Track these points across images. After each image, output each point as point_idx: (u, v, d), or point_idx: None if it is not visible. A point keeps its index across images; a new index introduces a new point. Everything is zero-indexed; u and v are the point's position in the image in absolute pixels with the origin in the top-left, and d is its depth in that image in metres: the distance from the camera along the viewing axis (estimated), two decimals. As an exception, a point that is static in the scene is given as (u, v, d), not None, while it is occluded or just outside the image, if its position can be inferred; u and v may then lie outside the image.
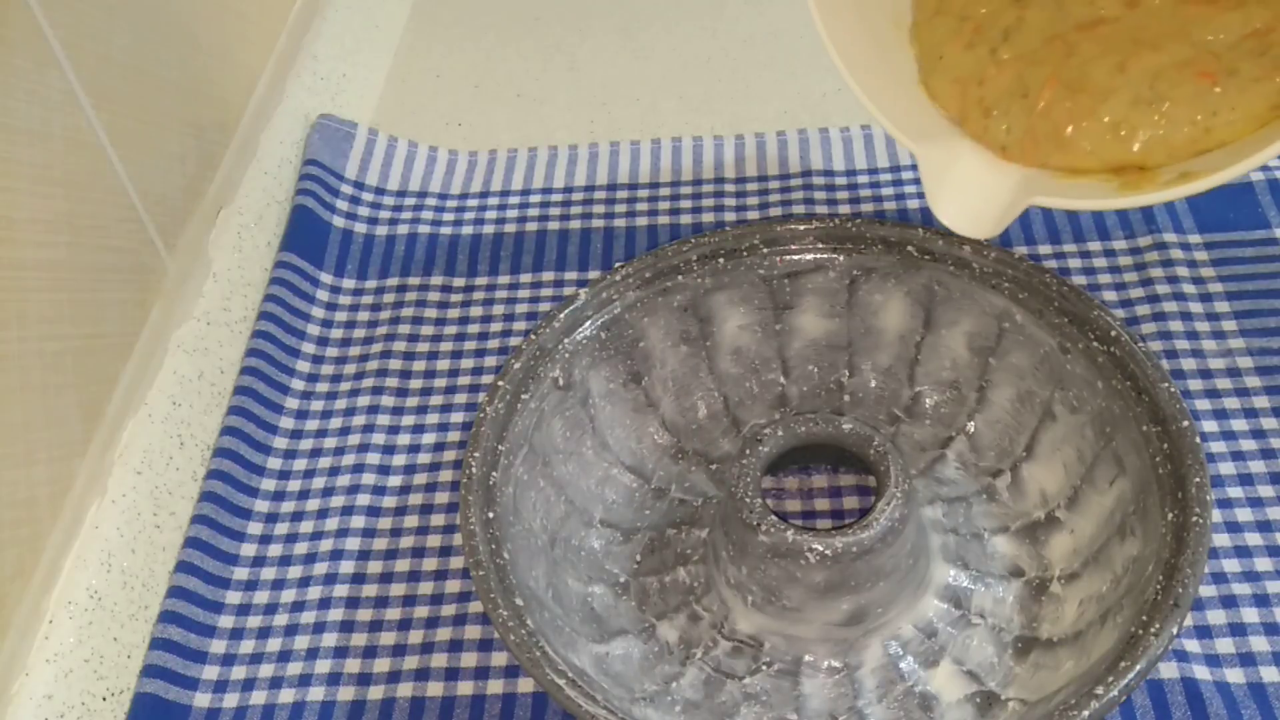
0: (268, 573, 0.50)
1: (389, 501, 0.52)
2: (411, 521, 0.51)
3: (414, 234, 0.63)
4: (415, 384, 0.56)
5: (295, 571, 0.50)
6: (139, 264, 0.52)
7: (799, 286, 0.51)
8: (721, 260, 0.51)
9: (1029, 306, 0.48)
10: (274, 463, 0.53)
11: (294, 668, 0.47)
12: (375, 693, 0.46)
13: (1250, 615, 0.45)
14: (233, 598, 0.49)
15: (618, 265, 0.50)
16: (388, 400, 0.55)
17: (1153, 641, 0.38)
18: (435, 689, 0.46)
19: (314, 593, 0.49)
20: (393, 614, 0.48)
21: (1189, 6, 0.43)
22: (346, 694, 0.46)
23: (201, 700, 0.46)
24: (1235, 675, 0.43)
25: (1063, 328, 0.47)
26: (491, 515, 0.44)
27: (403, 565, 0.49)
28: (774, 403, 0.53)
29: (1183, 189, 0.39)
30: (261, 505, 0.52)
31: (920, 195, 0.61)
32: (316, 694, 0.46)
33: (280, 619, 0.48)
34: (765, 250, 0.51)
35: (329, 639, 0.47)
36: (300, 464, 0.53)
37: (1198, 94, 0.41)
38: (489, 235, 0.63)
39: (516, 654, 0.40)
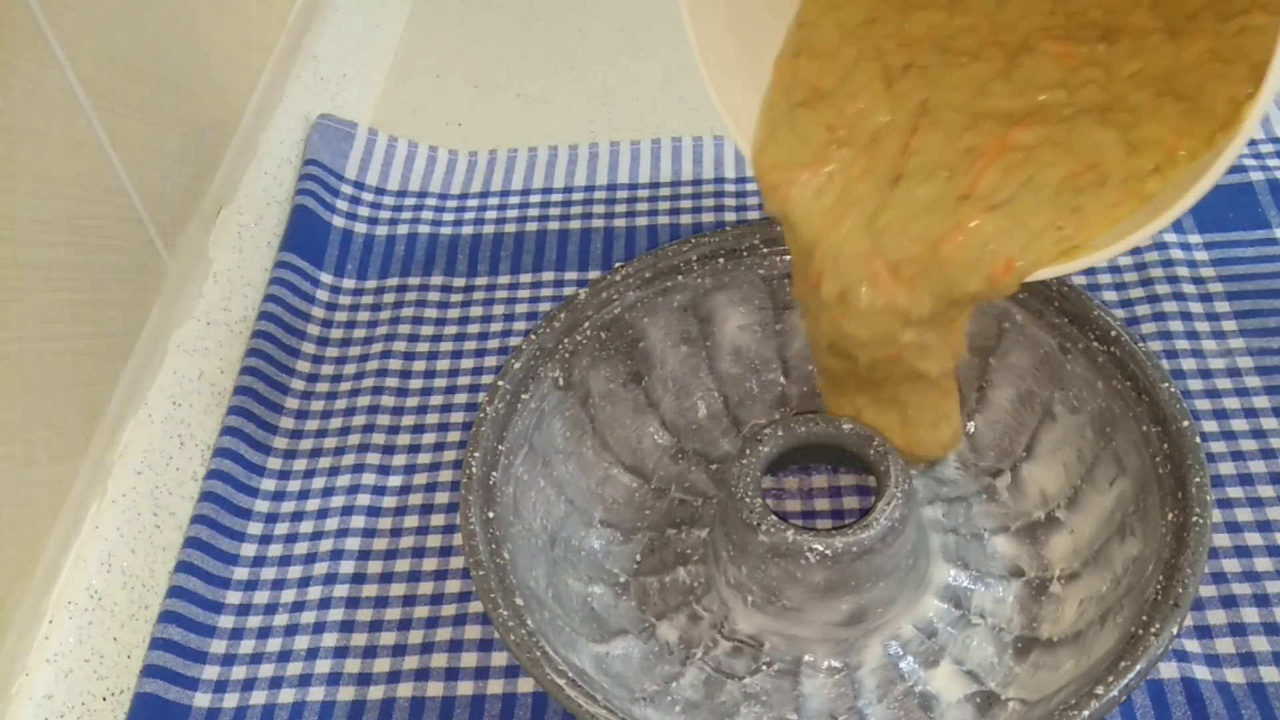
0: (268, 573, 0.50)
1: (389, 501, 0.52)
2: (411, 521, 0.51)
3: (414, 234, 0.63)
4: (415, 384, 0.56)
5: (295, 571, 0.50)
6: (139, 264, 0.52)
7: (799, 286, 0.51)
8: (721, 260, 0.51)
9: (1029, 306, 0.48)
10: (274, 463, 0.53)
11: (294, 668, 0.47)
12: (375, 693, 0.46)
13: (1250, 615, 0.45)
14: (233, 598, 0.49)
15: (618, 265, 0.50)
16: (388, 400, 0.55)
17: (1153, 641, 0.38)
18: (435, 689, 0.46)
19: (314, 593, 0.49)
20: (393, 614, 0.48)
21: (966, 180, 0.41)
22: (346, 694, 0.46)
23: (201, 700, 0.46)
24: (1235, 675, 0.43)
25: (1063, 328, 0.47)
26: (491, 515, 0.44)
27: (403, 565, 0.49)
28: (774, 403, 0.53)
29: (1065, 266, 0.39)
30: (261, 505, 0.52)
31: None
32: (316, 694, 0.46)
33: (280, 619, 0.48)
34: (765, 250, 0.51)
35: (329, 639, 0.47)
36: (300, 464, 0.53)
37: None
38: (489, 235, 0.63)
39: (516, 654, 0.40)
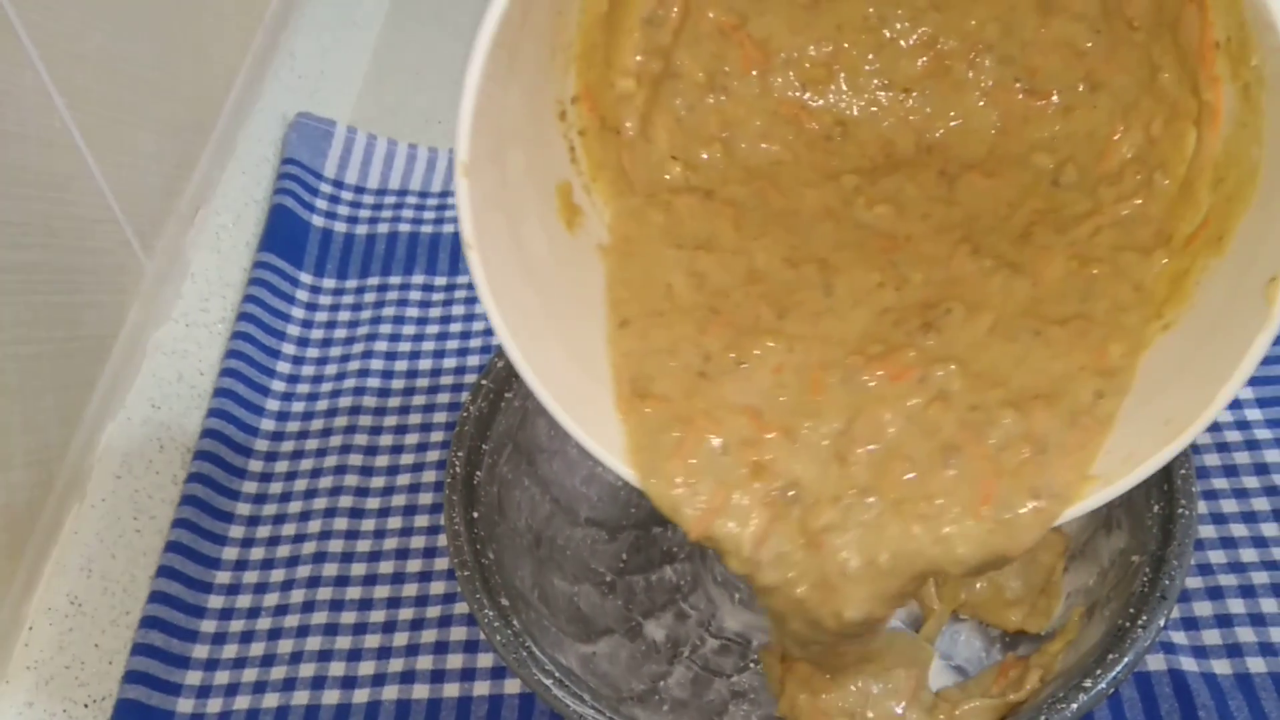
0: (250, 576, 0.49)
1: (372, 503, 0.51)
2: (395, 523, 0.51)
3: (394, 233, 0.63)
4: (397, 384, 0.56)
5: (278, 575, 0.49)
6: (116, 265, 0.52)
7: (782, 282, 0.51)
8: (704, 256, 0.50)
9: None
10: (255, 465, 0.53)
11: (278, 671, 0.46)
12: (360, 696, 0.45)
13: (1236, 606, 0.45)
14: (215, 602, 0.48)
15: (600, 262, 0.50)
16: (370, 401, 0.55)
17: (1140, 634, 0.38)
18: (421, 691, 0.45)
19: (297, 596, 0.48)
20: (377, 616, 0.48)
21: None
22: (331, 697, 0.45)
23: (185, 706, 0.45)
24: (1222, 666, 0.44)
25: (1047, 321, 0.47)
26: (476, 515, 0.43)
27: (387, 567, 0.49)
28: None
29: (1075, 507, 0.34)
30: (243, 508, 0.51)
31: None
32: (301, 698, 0.45)
33: (263, 623, 0.48)
34: (748, 246, 0.51)
35: (313, 642, 0.47)
36: (282, 466, 0.53)
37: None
38: (470, 233, 0.62)
39: (503, 654, 0.39)
